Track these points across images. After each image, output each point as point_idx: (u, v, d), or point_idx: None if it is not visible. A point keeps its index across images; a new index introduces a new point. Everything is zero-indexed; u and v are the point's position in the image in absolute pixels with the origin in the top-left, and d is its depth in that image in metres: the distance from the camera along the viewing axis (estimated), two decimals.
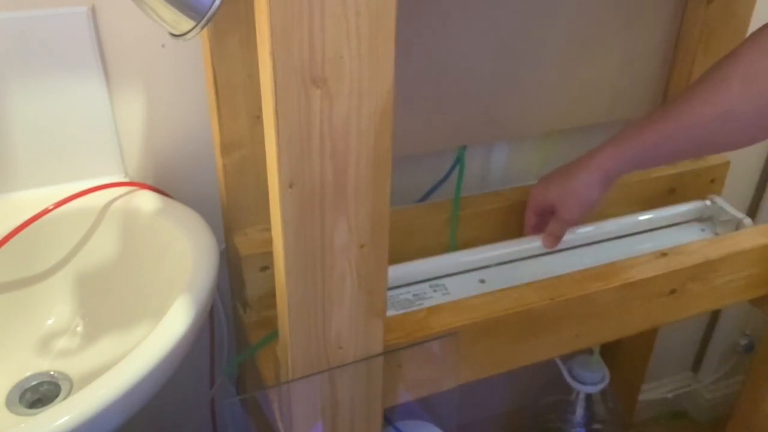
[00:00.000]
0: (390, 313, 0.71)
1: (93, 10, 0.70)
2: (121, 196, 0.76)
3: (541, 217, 0.84)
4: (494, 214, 0.88)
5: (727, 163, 0.98)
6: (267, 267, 0.76)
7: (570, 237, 0.85)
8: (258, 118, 0.71)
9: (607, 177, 0.75)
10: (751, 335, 1.34)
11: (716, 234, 0.93)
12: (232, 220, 0.77)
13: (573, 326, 0.77)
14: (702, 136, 0.68)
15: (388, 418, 0.76)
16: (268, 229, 0.59)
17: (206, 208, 0.78)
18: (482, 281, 0.82)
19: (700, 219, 0.95)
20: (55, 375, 0.72)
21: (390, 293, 0.78)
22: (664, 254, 0.81)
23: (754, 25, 0.90)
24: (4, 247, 0.69)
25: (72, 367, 0.72)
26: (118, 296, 0.75)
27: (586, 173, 0.75)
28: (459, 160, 0.89)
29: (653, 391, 1.39)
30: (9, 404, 0.69)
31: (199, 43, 0.71)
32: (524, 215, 0.85)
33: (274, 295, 0.62)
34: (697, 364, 1.42)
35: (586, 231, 0.88)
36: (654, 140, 0.70)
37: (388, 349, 0.65)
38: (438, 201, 0.89)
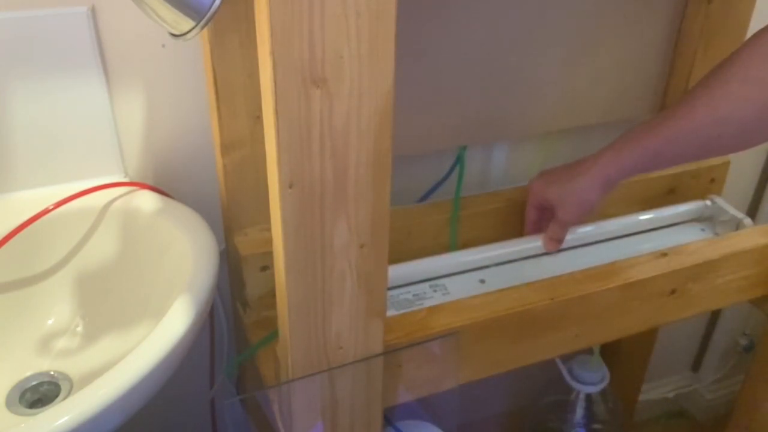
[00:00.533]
0: (390, 313, 0.71)
1: (93, 10, 0.70)
2: (121, 196, 0.76)
3: (541, 213, 0.84)
4: (494, 214, 0.88)
5: (727, 163, 0.97)
6: (267, 267, 0.76)
7: (570, 237, 0.85)
8: (258, 118, 0.71)
9: (608, 182, 0.75)
10: (751, 335, 1.34)
11: (716, 234, 0.93)
12: (232, 220, 0.77)
13: (573, 326, 0.76)
14: (703, 141, 0.68)
15: (388, 418, 0.76)
16: (268, 229, 0.59)
17: (206, 208, 0.78)
18: (482, 281, 0.82)
19: (700, 219, 0.95)
20: (55, 375, 0.72)
21: (390, 293, 0.78)
22: (664, 254, 0.81)
23: (754, 25, 0.90)
24: (4, 247, 0.68)
25: (72, 367, 0.72)
26: (118, 296, 0.75)
27: (587, 177, 0.75)
28: (459, 160, 0.89)
29: (653, 391, 1.39)
30: (9, 404, 0.69)
31: (199, 43, 0.71)
32: (525, 211, 0.85)
33: (274, 295, 0.62)
34: (697, 364, 1.42)
35: (586, 231, 0.88)
36: (655, 145, 0.70)
37: (388, 349, 0.65)
38: (438, 201, 0.88)
